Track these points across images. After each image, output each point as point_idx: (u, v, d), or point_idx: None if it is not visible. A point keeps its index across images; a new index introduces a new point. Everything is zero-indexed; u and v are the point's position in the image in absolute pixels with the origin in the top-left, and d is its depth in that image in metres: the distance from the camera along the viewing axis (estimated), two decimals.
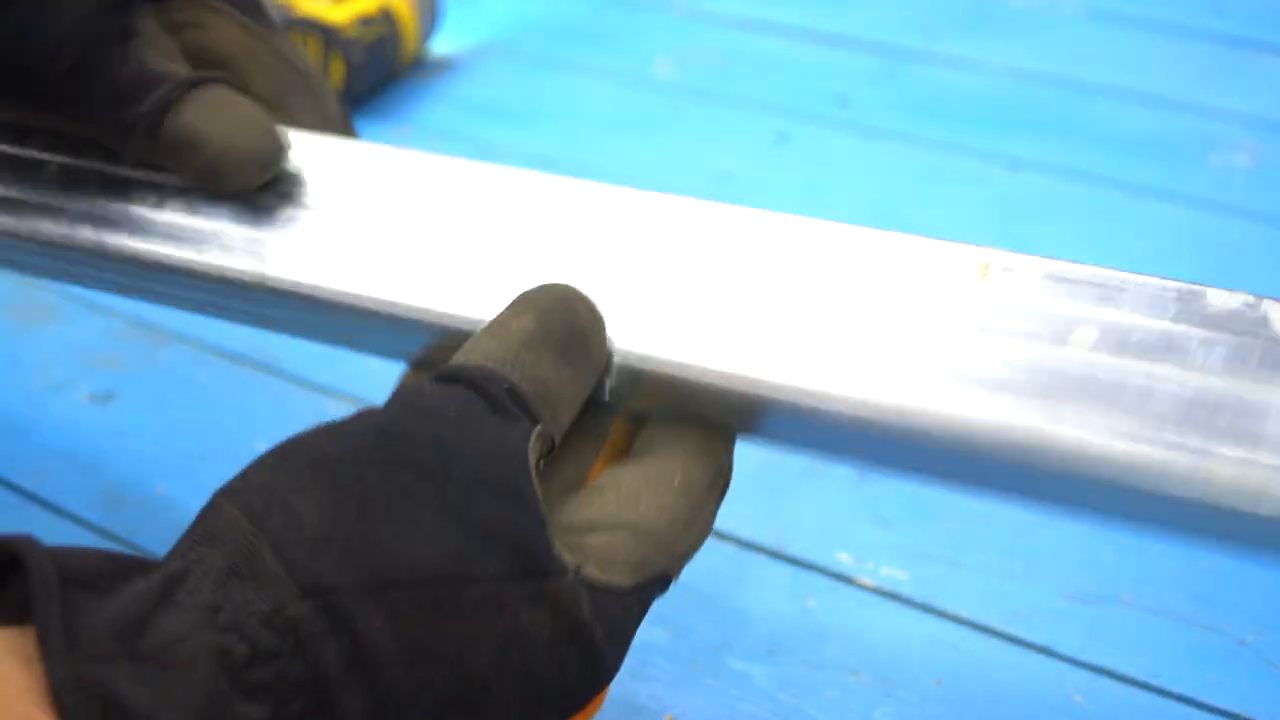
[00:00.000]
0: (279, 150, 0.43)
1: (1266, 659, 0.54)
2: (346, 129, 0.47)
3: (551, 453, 0.37)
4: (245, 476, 0.33)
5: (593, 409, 0.39)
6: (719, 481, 0.38)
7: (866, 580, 0.58)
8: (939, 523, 0.60)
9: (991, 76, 1.00)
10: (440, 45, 1.07)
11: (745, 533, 0.59)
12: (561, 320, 0.37)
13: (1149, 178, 0.87)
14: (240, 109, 0.43)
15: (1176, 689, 0.53)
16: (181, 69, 0.44)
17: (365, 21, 0.97)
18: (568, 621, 0.33)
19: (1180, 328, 0.37)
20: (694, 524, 0.37)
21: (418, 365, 0.42)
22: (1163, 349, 0.36)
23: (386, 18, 0.99)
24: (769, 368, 0.37)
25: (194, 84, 0.43)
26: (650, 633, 0.53)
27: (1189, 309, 0.37)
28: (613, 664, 0.35)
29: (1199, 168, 0.89)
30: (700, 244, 0.41)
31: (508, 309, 0.38)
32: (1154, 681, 0.53)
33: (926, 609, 0.57)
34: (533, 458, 0.35)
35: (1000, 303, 0.37)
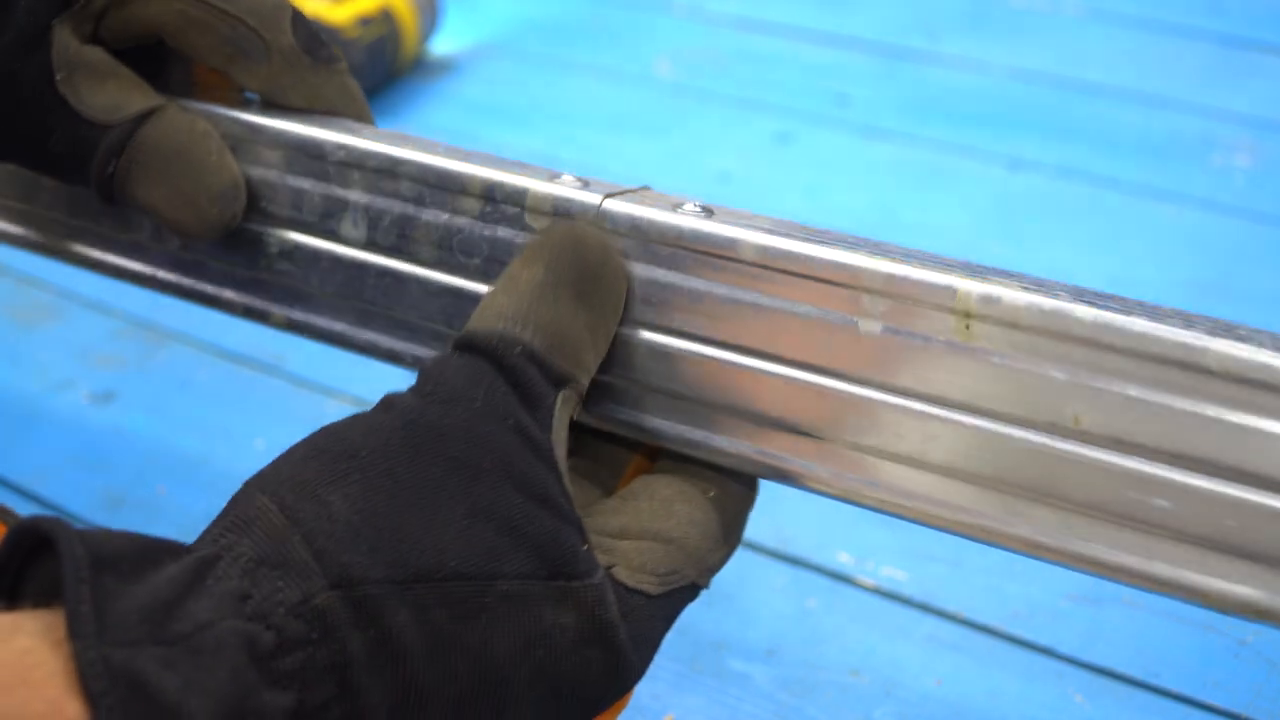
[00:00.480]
0: (230, 209, 0.43)
1: (1266, 659, 0.54)
2: (308, 73, 0.44)
3: (584, 401, 0.37)
4: (277, 467, 0.33)
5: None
6: (750, 495, 0.39)
7: (866, 580, 0.58)
8: None
9: (992, 76, 1.00)
10: (440, 45, 1.07)
11: (745, 532, 0.59)
12: (571, 262, 0.37)
13: (1149, 178, 0.87)
14: (189, 172, 0.42)
15: (1176, 689, 0.53)
16: (109, 109, 0.42)
17: (365, 21, 0.97)
18: (593, 622, 0.33)
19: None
20: (726, 538, 0.38)
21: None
22: None
23: (386, 18, 0.99)
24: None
25: (136, 143, 0.42)
26: None
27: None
28: (637, 667, 0.35)
29: (1199, 168, 0.89)
30: None
31: (517, 258, 0.37)
32: (1154, 681, 0.53)
33: (926, 609, 0.57)
34: (564, 421, 0.35)
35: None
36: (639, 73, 1.02)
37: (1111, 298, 0.35)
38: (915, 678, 0.54)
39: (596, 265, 0.37)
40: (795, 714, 0.52)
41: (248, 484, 0.33)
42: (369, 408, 0.35)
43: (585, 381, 0.36)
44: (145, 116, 0.42)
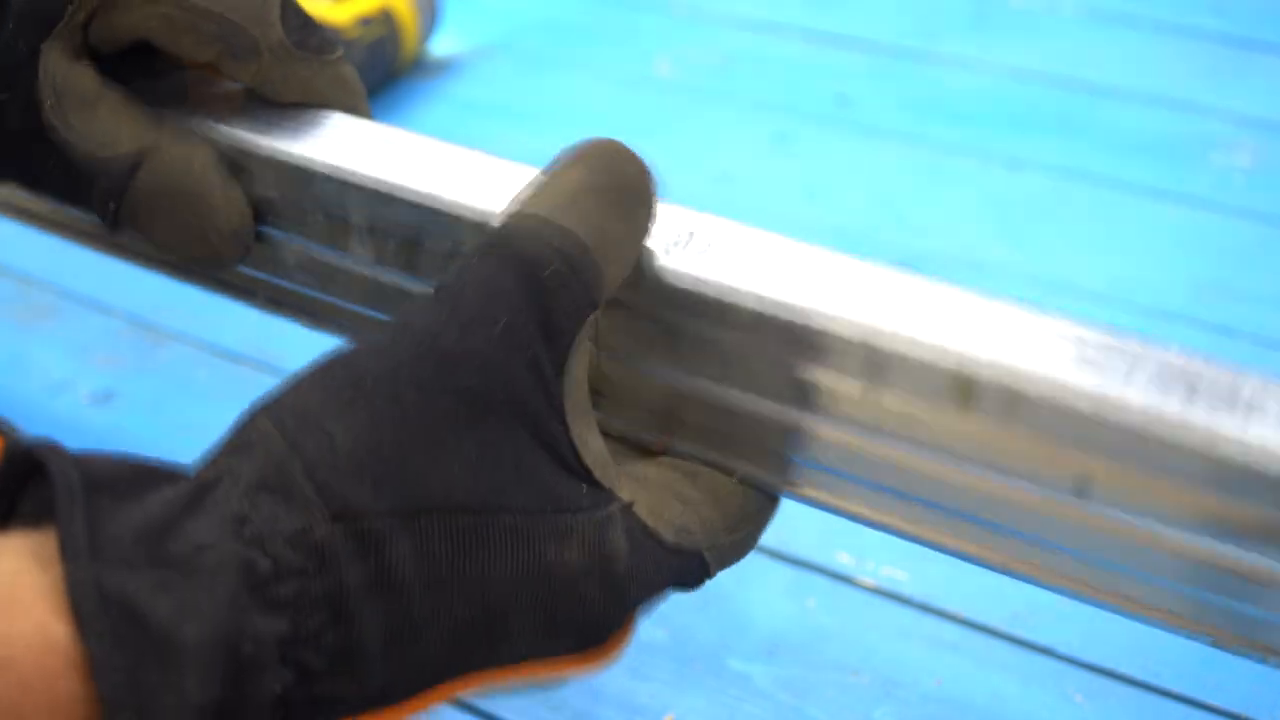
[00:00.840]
0: (243, 244, 0.42)
1: None
2: (299, 65, 0.43)
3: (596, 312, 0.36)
4: (283, 391, 0.33)
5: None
6: (770, 506, 0.39)
7: (866, 580, 0.58)
8: None
9: (992, 76, 1.00)
10: (440, 45, 1.07)
11: None
12: (613, 170, 0.36)
13: (1149, 178, 0.87)
14: (189, 201, 0.41)
15: (1176, 689, 0.53)
16: (102, 142, 0.41)
17: (365, 21, 0.97)
18: (594, 556, 0.33)
19: None
20: (739, 527, 0.37)
21: None
22: None
23: (386, 18, 0.99)
24: None
25: (137, 178, 0.41)
26: (650, 633, 0.53)
27: None
28: (634, 601, 0.35)
29: (1199, 168, 0.89)
30: None
31: (553, 163, 0.36)
32: (1154, 681, 0.53)
33: (926, 609, 0.57)
34: (584, 346, 0.34)
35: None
36: (639, 73, 1.02)
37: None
38: (915, 678, 0.54)
39: (636, 178, 0.36)
40: (795, 714, 0.52)
41: (253, 406, 0.33)
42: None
43: (608, 294, 0.36)
44: (140, 159, 0.41)
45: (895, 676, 0.54)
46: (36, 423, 0.69)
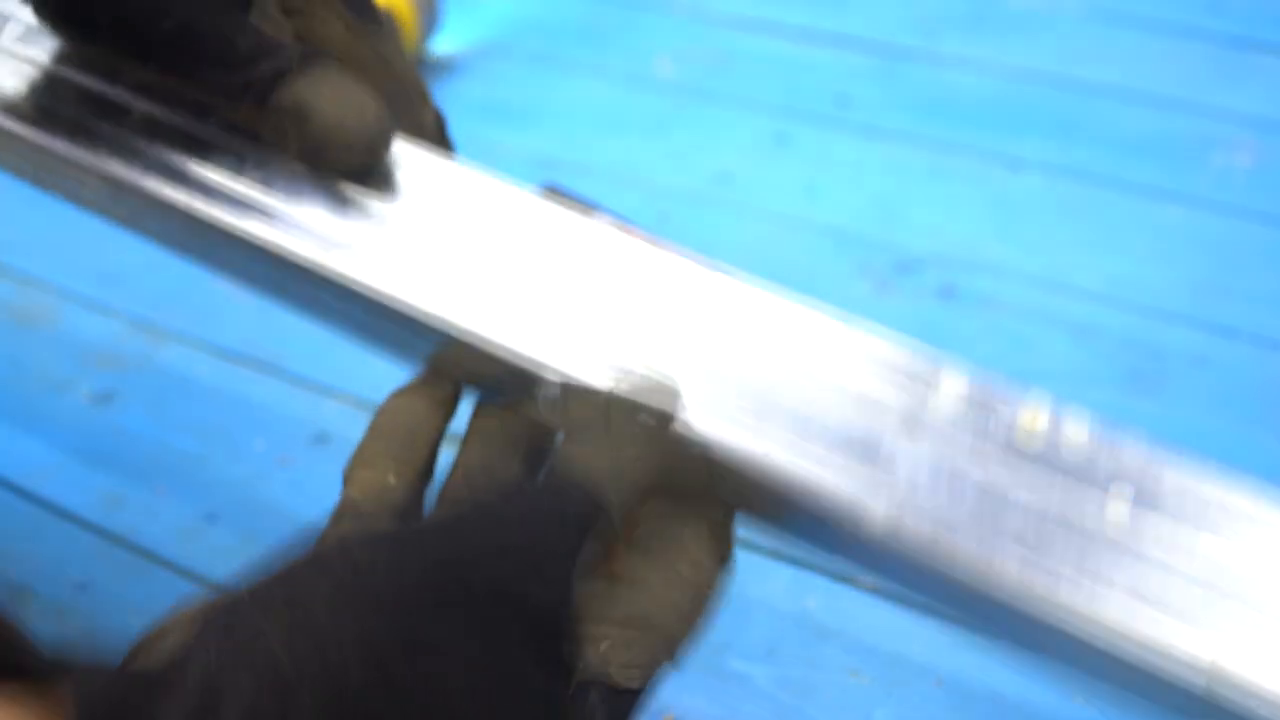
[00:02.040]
0: (386, 135, 0.43)
1: None
2: (441, 141, 0.46)
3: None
4: (278, 586, 0.31)
5: None
6: (725, 556, 0.39)
7: (866, 580, 0.58)
8: None
9: (991, 76, 1.00)
10: (440, 45, 1.07)
11: (745, 533, 0.59)
12: (656, 444, 0.37)
13: (1149, 178, 0.87)
14: (353, 90, 0.42)
15: None
16: (296, 45, 0.43)
17: None
18: None
19: None
20: (702, 610, 0.38)
21: (432, 365, 0.42)
22: None
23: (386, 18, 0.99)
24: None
25: (309, 57, 0.42)
26: None
27: None
28: None
29: (1199, 168, 0.89)
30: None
31: (607, 419, 0.37)
32: None
33: (926, 609, 0.57)
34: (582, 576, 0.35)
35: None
36: (639, 73, 1.02)
37: None
38: (915, 678, 0.54)
39: (667, 448, 0.37)
40: (795, 714, 0.52)
41: (250, 604, 0.31)
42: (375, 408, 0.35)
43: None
44: (322, 57, 0.43)
45: (895, 676, 0.54)
46: (37, 423, 0.69)
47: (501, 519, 0.34)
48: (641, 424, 0.37)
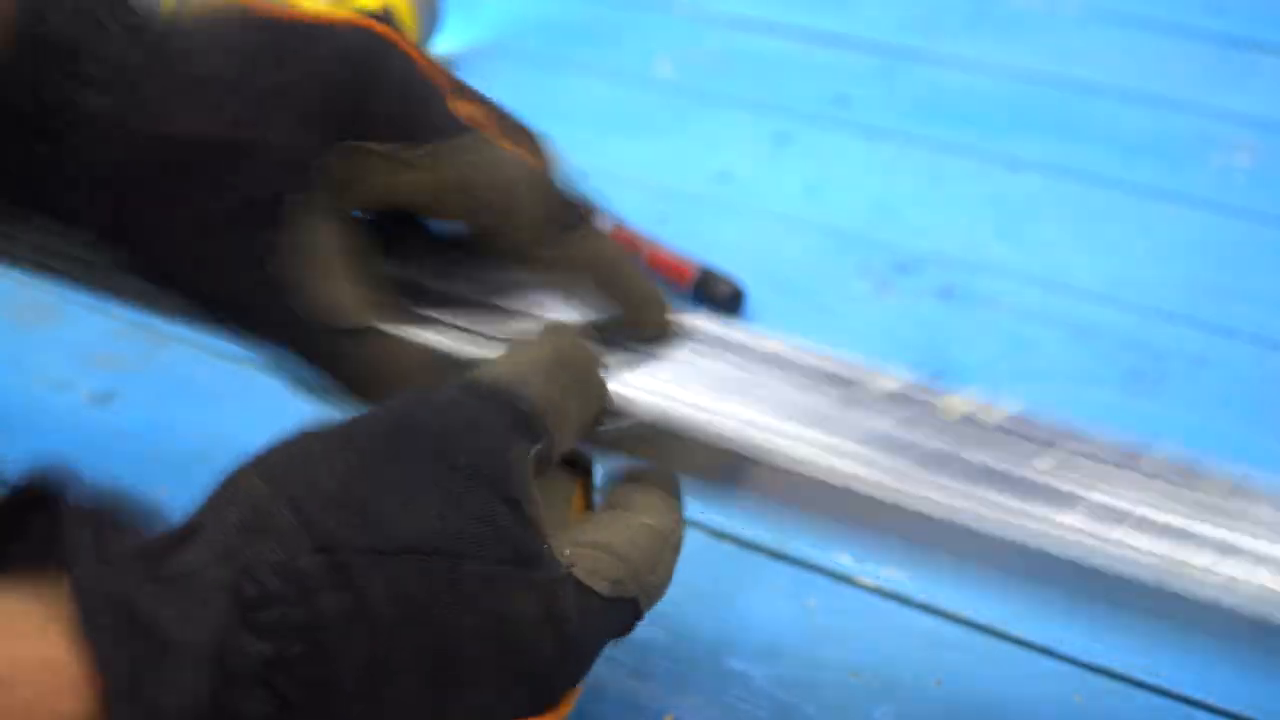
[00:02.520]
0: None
1: None
2: (555, 242, 0.44)
3: (540, 476, 0.38)
4: (266, 450, 0.36)
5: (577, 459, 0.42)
6: (678, 533, 0.41)
7: (866, 580, 0.58)
8: None
9: (991, 76, 1.00)
10: (440, 45, 1.07)
11: (745, 533, 0.59)
12: (573, 356, 0.40)
13: (1149, 178, 0.87)
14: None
15: (1176, 689, 0.53)
16: (326, 310, 0.43)
17: None
18: (549, 612, 0.35)
19: None
20: (660, 564, 0.40)
21: None
22: None
23: (386, 18, 0.99)
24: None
25: (360, 349, 0.44)
26: (650, 633, 0.53)
27: None
28: (581, 663, 0.37)
29: (1199, 168, 0.89)
30: None
31: (527, 339, 0.41)
32: (1154, 681, 0.53)
33: (926, 609, 0.57)
34: (529, 473, 0.37)
35: None
36: (639, 73, 1.02)
37: None
38: (915, 678, 0.54)
39: (591, 368, 0.41)
40: (795, 714, 0.52)
41: (233, 471, 0.35)
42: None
43: (555, 459, 0.39)
44: (362, 334, 0.43)
45: (895, 676, 0.54)
46: (37, 423, 0.69)
47: (428, 399, 0.37)
48: (551, 334, 0.41)
